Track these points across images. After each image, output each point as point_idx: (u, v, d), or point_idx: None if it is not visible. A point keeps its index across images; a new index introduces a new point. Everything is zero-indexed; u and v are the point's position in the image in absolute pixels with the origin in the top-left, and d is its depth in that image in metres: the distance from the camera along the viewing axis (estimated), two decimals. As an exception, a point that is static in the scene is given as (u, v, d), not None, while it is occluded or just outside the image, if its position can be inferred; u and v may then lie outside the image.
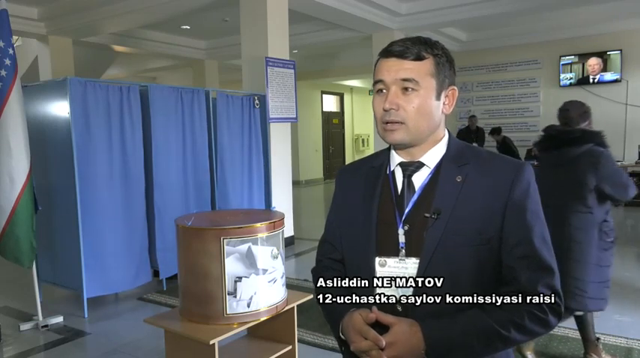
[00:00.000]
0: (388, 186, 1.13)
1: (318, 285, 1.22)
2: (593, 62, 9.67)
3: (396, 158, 1.13)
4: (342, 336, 1.11)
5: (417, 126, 1.06)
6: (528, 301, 0.99)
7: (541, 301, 0.99)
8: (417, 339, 0.99)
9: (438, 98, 1.07)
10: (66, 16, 7.80)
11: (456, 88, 1.11)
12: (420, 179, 1.10)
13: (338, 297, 1.12)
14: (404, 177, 1.11)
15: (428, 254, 1.03)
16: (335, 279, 1.18)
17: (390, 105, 1.04)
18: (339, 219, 1.22)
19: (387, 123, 1.06)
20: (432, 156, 1.10)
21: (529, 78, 10.41)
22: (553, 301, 1.00)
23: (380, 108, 1.07)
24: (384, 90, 1.06)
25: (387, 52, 1.07)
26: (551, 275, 1.02)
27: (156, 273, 4.55)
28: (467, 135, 9.29)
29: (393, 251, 1.08)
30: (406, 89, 1.04)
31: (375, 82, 1.08)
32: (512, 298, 1.00)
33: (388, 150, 1.18)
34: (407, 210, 1.08)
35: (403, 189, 1.11)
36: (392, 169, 1.14)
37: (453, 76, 1.11)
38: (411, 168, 1.11)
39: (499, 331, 0.98)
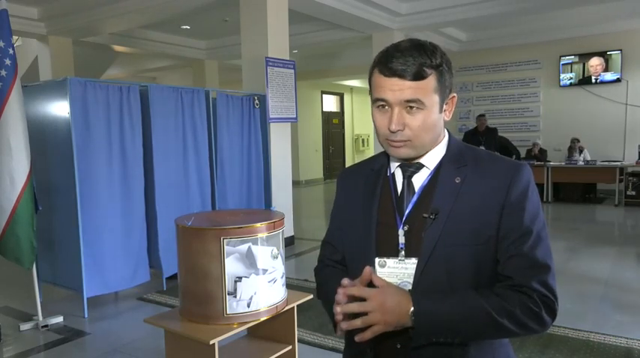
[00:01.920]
0: (388, 188, 1.14)
1: (319, 280, 1.25)
2: (596, 62, 9.68)
3: (395, 160, 1.14)
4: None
5: (422, 141, 1.06)
6: (521, 292, 0.99)
7: (534, 295, 0.98)
8: (407, 300, 0.98)
9: (441, 111, 1.07)
10: (66, 16, 7.80)
11: (455, 94, 1.10)
12: (419, 180, 1.11)
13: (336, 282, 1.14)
14: (404, 178, 1.12)
15: (426, 254, 1.04)
16: (338, 272, 1.20)
17: (397, 127, 1.03)
18: (340, 220, 1.23)
19: (392, 141, 1.06)
20: (432, 158, 1.11)
21: (529, 78, 10.42)
22: (546, 296, 0.99)
23: (383, 125, 1.06)
24: (387, 107, 1.05)
25: (387, 70, 1.02)
26: (547, 272, 1.01)
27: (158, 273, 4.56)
28: (473, 137, 8.34)
29: (392, 252, 1.08)
30: (410, 108, 1.03)
31: (376, 99, 1.06)
32: (507, 289, 1.00)
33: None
34: (407, 211, 1.09)
35: (403, 190, 1.11)
36: (392, 171, 1.15)
37: (452, 81, 1.09)
38: (410, 169, 1.11)
39: (490, 313, 0.97)
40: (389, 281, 1.03)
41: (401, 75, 1.01)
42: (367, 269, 1.02)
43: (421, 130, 1.04)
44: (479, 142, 8.02)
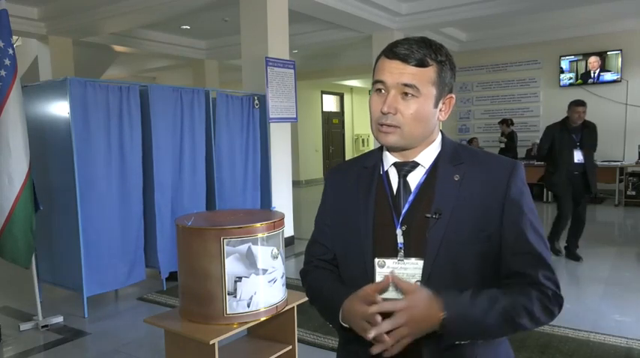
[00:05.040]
0: (383, 187, 1.13)
1: (310, 283, 1.23)
2: (593, 60, 9.70)
3: (389, 158, 1.13)
4: (344, 323, 1.08)
5: (412, 131, 1.06)
6: (538, 290, 1.02)
7: (549, 293, 1.02)
8: (437, 308, 0.98)
9: (436, 106, 1.07)
10: (66, 16, 7.80)
11: (453, 95, 1.10)
12: (415, 179, 1.10)
13: (334, 288, 1.14)
14: (399, 177, 1.11)
15: (432, 254, 1.04)
16: (328, 275, 1.20)
17: (389, 109, 1.04)
18: (332, 220, 1.21)
19: (382, 125, 1.06)
20: (427, 156, 1.11)
21: (529, 78, 10.41)
22: (556, 293, 1.03)
23: (377, 108, 1.06)
24: (383, 91, 1.06)
25: (391, 53, 1.04)
26: (550, 268, 1.04)
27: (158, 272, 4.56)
28: (562, 135, 5.06)
29: (391, 252, 1.07)
30: (406, 94, 1.03)
31: (375, 82, 1.07)
32: (525, 287, 1.02)
33: (380, 150, 1.17)
34: (404, 211, 1.08)
35: (399, 189, 1.11)
36: (385, 169, 1.14)
37: (453, 83, 1.10)
38: (405, 168, 1.11)
39: (512, 316, 1.00)
40: (418, 286, 1.02)
41: (403, 59, 1.03)
42: (391, 276, 1.02)
43: (413, 119, 1.04)
44: (572, 144, 5.04)
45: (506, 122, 9.55)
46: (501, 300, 1.00)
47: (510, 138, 9.39)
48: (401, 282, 1.01)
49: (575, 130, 5.06)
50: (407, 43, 1.04)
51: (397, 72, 1.03)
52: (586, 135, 5.06)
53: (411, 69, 1.03)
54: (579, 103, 5.02)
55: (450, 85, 1.09)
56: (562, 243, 5.26)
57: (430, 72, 1.04)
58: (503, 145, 9.41)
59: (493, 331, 1.02)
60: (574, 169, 4.99)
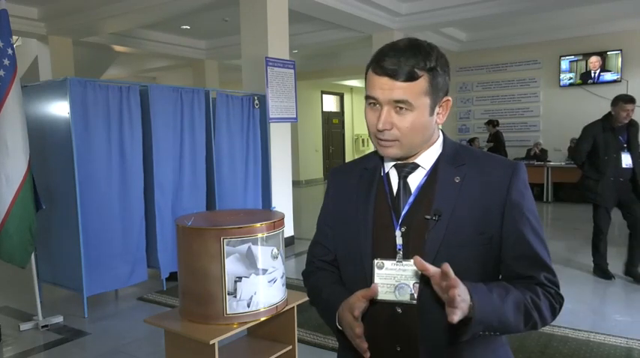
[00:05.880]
0: (383, 188, 1.13)
1: (311, 284, 1.24)
2: (593, 60, 9.71)
3: (390, 160, 1.13)
4: (339, 327, 1.10)
5: (411, 141, 1.05)
6: (544, 290, 1.03)
7: (553, 293, 1.04)
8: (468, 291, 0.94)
9: (432, 113, 1.06)
10: (66, 16, 7.80)
11: (449, 98, 1.09)
12: (415, 180, 1.10)
13: (332, 291, 1.14)
14: (399, 178, 1.11)
15: (430, 256, 1.03)
16: (329, 277, 1.20)
17: (384, 126, 1.03)
18: (333, 220, 1.21)
19: (381, 139, 1.06)
20: (427, 158, 1.10)
21: (529, 78, 10.41)
22: (559, 294, 1.05)
23: (373, 122, 1.06)
24: (377, 106, 1.05)
25: (379, 69, 1.02)
26: (550, 270, 1.05)
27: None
28: (607, 135, 4.41)
29: (390, 253, 1.07)
30: (400, 108, 1.02)
31: (367, 97, 1.06)
32: (532, 285, 1.03)
33: None
34: (403, 212, 1.08)
35: (399, 190, 1.10)
36: (386, 171, 1.14)
37: (448, 85, 1.07)
38: (406, 169, 1.11)
39: (527, 307, 1.00)
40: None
41: (391, 75, 1.01)
42: (417, 260, 0.94)
43: (409, 131, 1.04)
44: (619, 146, 4.40)
45: (492, 123, 9.57)
46: (513, 291, 1.00)
47: (497, 139, 9.39)
48: (421, 263, 0.93)
49: (621, 130, 4.39)
50: (394, 55, 1.01)
51: (387, 88, 1.01)
52: (632, 135, 4.42)
53: (400, 84, 1.00)
54: (628, 100, 4.29)
55: (445, 89, 1.06)
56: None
57: (421, 83, 1.01)
58: (491, 145, 9.41)
59: (511, 321, 0.98)
60: (621, 175, 4.33)
